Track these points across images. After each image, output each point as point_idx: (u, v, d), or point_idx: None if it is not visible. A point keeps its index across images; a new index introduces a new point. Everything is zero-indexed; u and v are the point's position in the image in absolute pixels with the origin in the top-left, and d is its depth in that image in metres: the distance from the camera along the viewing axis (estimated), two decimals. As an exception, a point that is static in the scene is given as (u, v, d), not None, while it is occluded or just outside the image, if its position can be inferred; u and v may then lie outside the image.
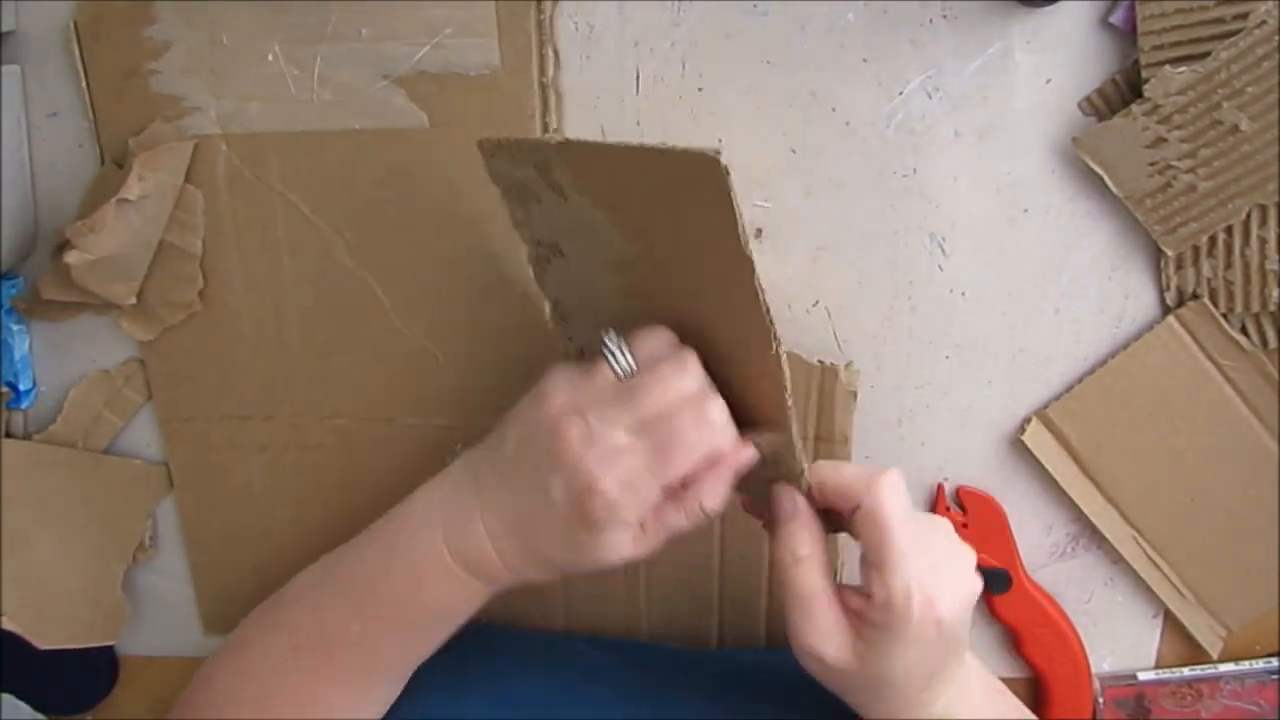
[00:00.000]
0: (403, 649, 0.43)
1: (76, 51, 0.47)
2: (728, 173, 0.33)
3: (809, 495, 0.40)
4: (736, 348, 0.39)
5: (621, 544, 0.38)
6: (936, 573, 0.37)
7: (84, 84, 0.48)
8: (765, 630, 0.53)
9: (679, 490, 0.38)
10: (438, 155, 0.48)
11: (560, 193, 0.40)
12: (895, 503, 0.37)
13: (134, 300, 0.50)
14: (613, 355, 0.39)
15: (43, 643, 0.53)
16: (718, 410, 0.38)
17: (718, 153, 0.33)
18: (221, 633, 0.57)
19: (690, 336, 0.40)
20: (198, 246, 0.50)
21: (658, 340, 0.40)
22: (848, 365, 0.49)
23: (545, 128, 0.47)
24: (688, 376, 0.38)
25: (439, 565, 0.41)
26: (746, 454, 0.39)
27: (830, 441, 0.50)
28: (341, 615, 0.42)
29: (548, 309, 0.46)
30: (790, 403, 0.38)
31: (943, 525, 0.41)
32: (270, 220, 0.50)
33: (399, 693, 0.44)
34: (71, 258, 0.46)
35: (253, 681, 0.44)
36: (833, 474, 0.39)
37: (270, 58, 0.47)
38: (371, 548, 0.43)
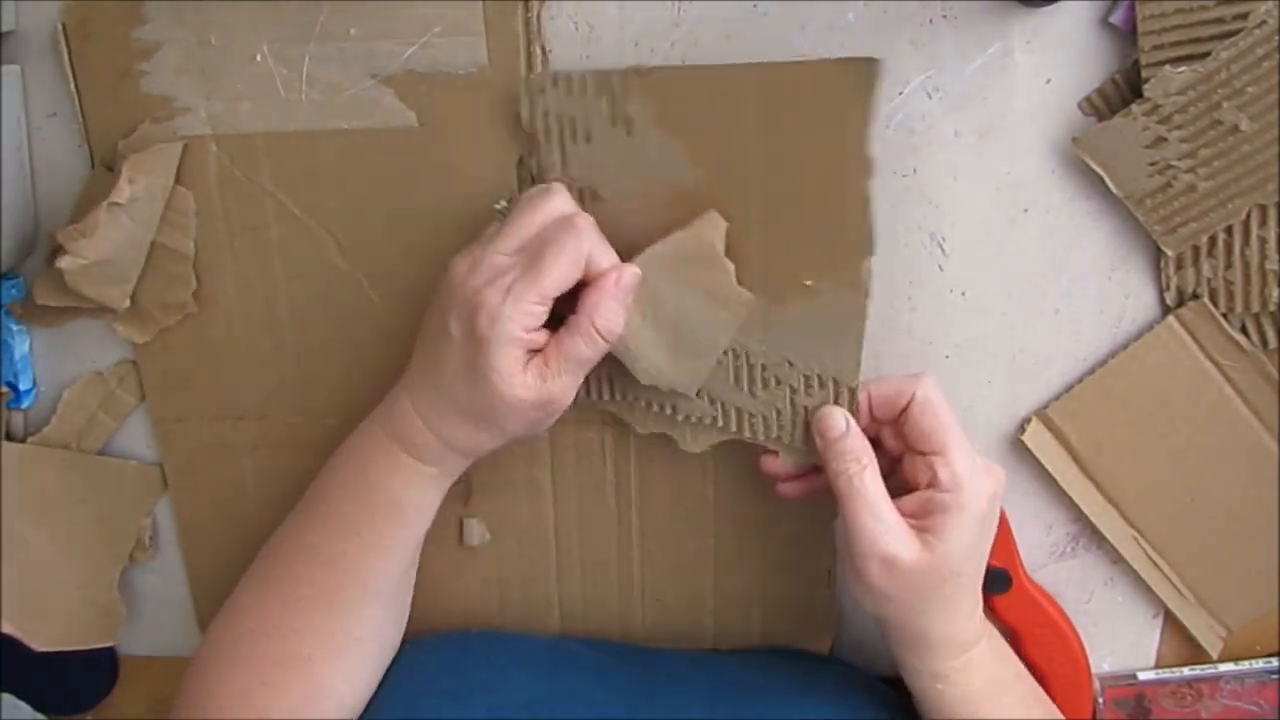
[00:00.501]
0: (360, 553, 0.46)
1: (65, 53, 0.49)
2: (879, 75, 0.40)
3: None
4: (819, 259, 0.44)
5: (516, 369, 0.42)
6: (975, 455, 0.44)
7: (73, 86, 0.50)
8: (761, 632, 0.56)
9: (575, 319, 0.42)
10: (427, 154, 0.49)
11: (626, 126, 0.44)
12: (941, 393, 0.44)
13: (128, 303, 0.52)
14: (500, 211, 0.46)
15: (39, 645, 0.56)
16: (586, 221, 0.43)
17: (877, 59, 0.40)
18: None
19: (752, 263, 0.44)
20: (190, 248, 0.52)
21: (533, 189, 0.45)
22: None
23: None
24: (556, 199, 0.44)
25: (377, 448, 0.46)
26: (630, 272, 0.43)
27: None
28: (301, 530, 0.47)
29: None
30: (868, 312, 0.44)
31: None
32: (261, 221, 0.52)
33: (381, 618, 0.48)
34: (64, 263, 0.48)
35: (244, 622, 0.47)
36: (878, 382, 0.45)
37: (259, 58, 0.49)
38: (329, 463, 0.48)
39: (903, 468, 0.45)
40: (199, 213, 0.51)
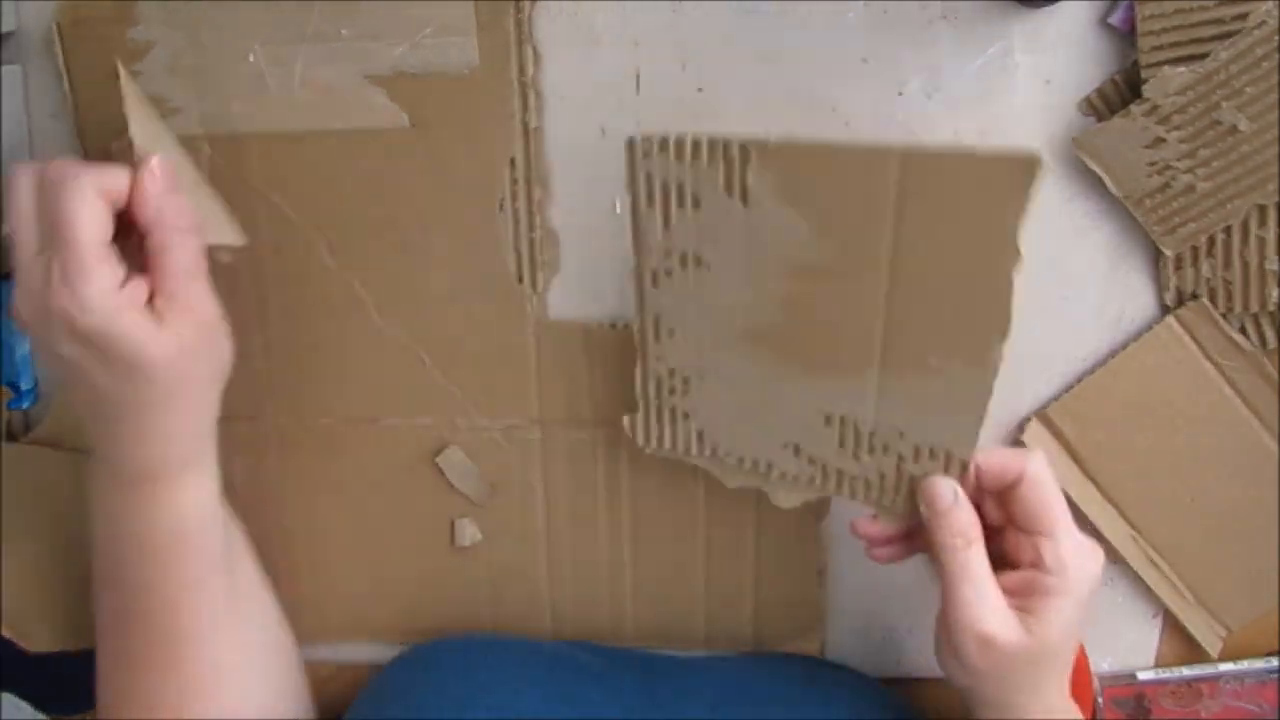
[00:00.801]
0: (190, 600, 0.46)
1: (59, 53, 0.50)
2: (1041, 172, 0.38)
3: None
4: (948, 339, 0.43)
5: (148, 330, 0.40)
6: (1079, 534, 0.44)
7: (67, 87, 0.50)
8: (752, 632, 0.57)
9: (153, 239, 0.41)
10: (418, 155, 0.50)
11: (740, 195, 0.43)
12: (1050, 470, 0.44)
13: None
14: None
15: (33, 647, 0.57)
16: (63, 168, 0.40)
17: (1039, 156, 0.38)
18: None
19: (874, 336, 0.44)
20: (181, 249, 0.53)
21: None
22: None
23: (525, 126, 0.50)
24: (20, 176, 0.41)
25: (122, 495, 0.45)
26: (156, 160, 0.42)
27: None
28: (122, 606, 0.47)
29: (637, 331, 0.48)
30: (991, 393, 0.42)
31: None
32: (252, 221, 0.52)
33: (251, 621, 0.49)
34: (56, 265, 0.49)
35: (131, 692, 0.48)
36: (987, 453, 0.44)
37: (251, 58, 0.49)
38: (94, 546, 0.48)
39: (1004, 540, 0.45)
40: (191, 213, 0.52)
